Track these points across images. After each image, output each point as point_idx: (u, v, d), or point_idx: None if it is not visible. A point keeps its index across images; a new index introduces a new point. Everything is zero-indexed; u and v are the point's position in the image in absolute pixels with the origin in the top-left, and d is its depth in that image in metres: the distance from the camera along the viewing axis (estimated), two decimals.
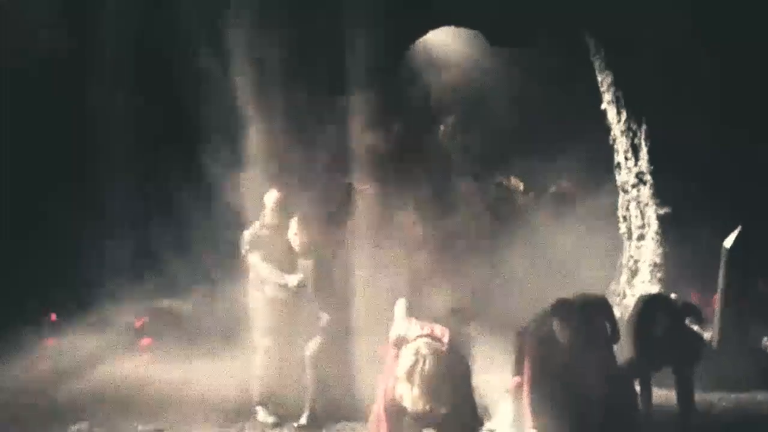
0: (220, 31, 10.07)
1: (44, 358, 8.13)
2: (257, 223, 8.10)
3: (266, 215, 8.07)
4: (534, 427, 6.65)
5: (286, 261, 7.90)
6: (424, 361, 5.47)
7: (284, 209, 7.92)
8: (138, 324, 8.10)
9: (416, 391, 5.42)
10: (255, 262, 7.89)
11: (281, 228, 7.94)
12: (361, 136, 10.83)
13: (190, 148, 10.13)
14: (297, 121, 10.54)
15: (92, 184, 9.79)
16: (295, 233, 7.81)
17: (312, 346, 7.71)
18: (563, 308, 6.82)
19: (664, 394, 8.18)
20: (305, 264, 7.85)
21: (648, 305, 7.79)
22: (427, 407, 5.45)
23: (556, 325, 6.72)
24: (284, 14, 10.47)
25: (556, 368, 6.72)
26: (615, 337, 7.21)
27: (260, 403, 7.86)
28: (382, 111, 11.24)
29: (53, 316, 8.34)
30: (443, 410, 5.47)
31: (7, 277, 8.70)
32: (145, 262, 9.74)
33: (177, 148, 10.34)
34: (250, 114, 9.88)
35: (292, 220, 7.85)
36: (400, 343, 5.83)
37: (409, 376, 5.45)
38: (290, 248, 7.91)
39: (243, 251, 7.98)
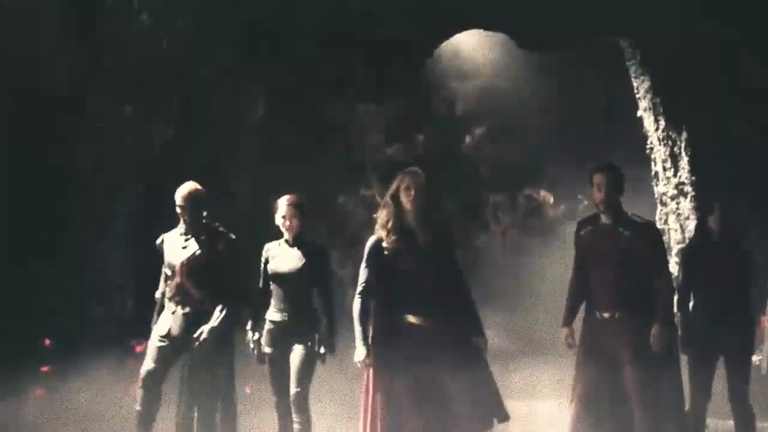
0: (236, 38, 9.77)
1: (38, 386, 7.73)
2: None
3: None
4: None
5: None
6: (404, 181, 5.74)
7: None
8: (139, 349, 7.65)
9: (407, 215, 5.68)
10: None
11: None
12: (384, 147, 10.55)
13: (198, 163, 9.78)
14: (318, 130, 10.25)
15: (92, 202, 9.35)
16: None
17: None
18: None
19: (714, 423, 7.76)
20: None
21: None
22: (419, 231, 5.66)
23: None
24: (305, 20, 10.11)
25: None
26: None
27: None
28: (405, 120, 10.99)
29: (47, 341, 7.96)
30: (430, 229, 5.69)
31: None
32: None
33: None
34: (268, 124, 9.60)
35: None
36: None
37: (394, 198, 5.73)
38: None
39: None
